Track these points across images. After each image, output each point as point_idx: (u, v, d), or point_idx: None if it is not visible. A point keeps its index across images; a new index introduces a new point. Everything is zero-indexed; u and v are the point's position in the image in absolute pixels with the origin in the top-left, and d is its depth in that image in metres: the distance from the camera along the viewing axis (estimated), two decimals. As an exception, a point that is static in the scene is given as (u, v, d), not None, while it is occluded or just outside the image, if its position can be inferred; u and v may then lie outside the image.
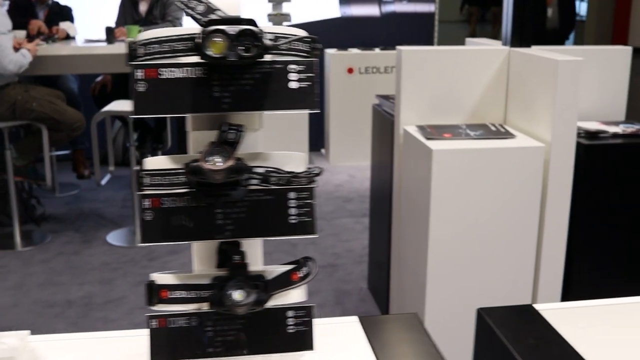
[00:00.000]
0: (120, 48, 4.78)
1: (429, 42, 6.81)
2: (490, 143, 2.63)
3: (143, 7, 5.45)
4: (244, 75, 0.90)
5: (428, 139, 2.66)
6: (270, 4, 6.04)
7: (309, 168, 0.97)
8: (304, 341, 0.99)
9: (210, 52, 0.87)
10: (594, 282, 2.85)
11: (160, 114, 0.90)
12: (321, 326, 1.21)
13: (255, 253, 1.03)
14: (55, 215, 5.05)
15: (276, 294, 0.97)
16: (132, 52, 0.91)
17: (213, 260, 1.01)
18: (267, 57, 0.90)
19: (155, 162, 0.94)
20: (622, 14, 13.60)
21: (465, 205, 2.58)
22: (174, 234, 0.93)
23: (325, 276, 3.94)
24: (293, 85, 0.91)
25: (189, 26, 0.91)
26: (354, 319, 1.24)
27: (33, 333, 1.15)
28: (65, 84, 5.38)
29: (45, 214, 5.00)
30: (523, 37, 2.95)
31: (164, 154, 4.07)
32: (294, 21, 6.25)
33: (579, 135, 2.74)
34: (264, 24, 0.92)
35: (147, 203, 0.92)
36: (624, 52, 3.19)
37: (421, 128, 2.81)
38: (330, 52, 6.30)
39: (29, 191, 4.97)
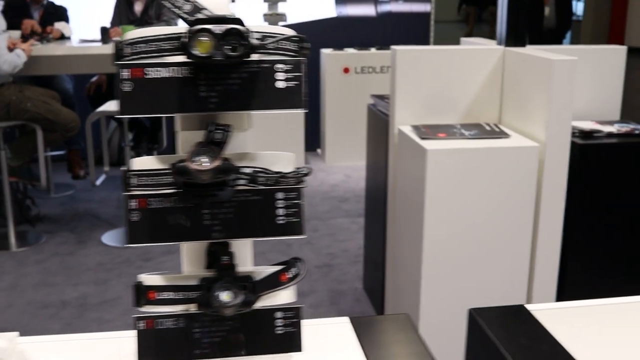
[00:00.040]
0: (115, 48, 4.76)
1: (425, 42, 6.81)
2: (484, 143, 2.63)
3: (138, 7, 5.45)
4: (230, 74, 0.89)
5: (422, 138, 2.66)
6: (266, 4, 6.03)
7: (298, 168, 0.96)
8: (293, 342, 0.98)
9: (197, 51, 0.86)
10: (589, 282, 2.85)
11: (146, 113, 0.89)
12: (312, 327, 1.20)
13: (245, 254, 1.02)
14: (50, 215, 5.04)
15: (264, 295, 0.96)
16: (119, 52, 0.90)
17: (202, 261, 1.00)
18: (255, 57, 0.90)
19: (143, 163, 0.93)
20: (618, 14, 13.62)
21: (460, 205, 2.58)
22: (160, 235, 0.92)
23: (320, 276, 3.93)
24: (280, 84, 0.90)
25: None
26: (345, 320, 1.23)
27: (27, 334, 1.15)
28: (60, 84, 5.37)
29: (40, 214, 4.99)
30: (518, 36, 2.94)
31: (159, 154, 4.06)
32: (290, 21, 6.24)
33: (573, 134, 2.74)
34: (258, 24, 0.91)
35: (133, 203, 0.92)
36: (618, 52, 3.19)
37: (416, 128, 2.80)
38: (326, 51, 6.30)
39: (24, 191, 4.95)
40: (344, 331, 1.19)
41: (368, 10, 6.81)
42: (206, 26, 0.86)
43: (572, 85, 2.55)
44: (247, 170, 0.92)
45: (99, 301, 3.68)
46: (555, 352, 1.13)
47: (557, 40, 8.95)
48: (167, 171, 0.92)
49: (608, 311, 1.27)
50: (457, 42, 3.56)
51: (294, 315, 0.98)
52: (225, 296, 0.93)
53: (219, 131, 0.91)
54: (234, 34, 0.86)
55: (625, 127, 2.93)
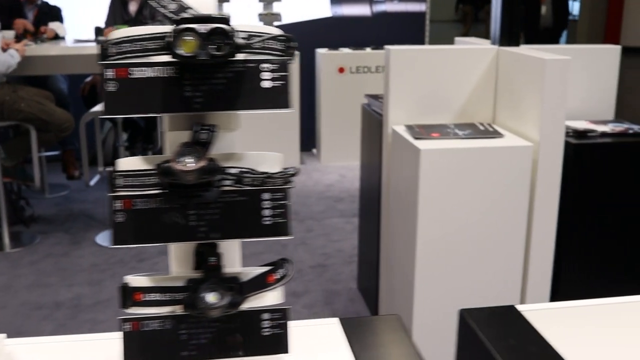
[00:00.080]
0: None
1: (421, 42, 6.81)
2: (478, 142, 2.62)
3: (133, 7, 5.44)
4: (216, 74, 0.88)
5: (416, 138, 2.65)
6: (261, 4, 6.03)
7: (285, 168, 0.95)
8: (280, 344, 0.97)
9: (181, 51, 0.85)
10: (582, 282, 2.85)
11: (131, 113, 0.89)
12: (301, 328, 1.19)
13: (234, 254, 1.02)
14: (45, 216, 5.03)
15: (251, 296, 0.96)
16: (104, 52, 0.90)
17: (191, 262, 1.00)
18: (240, 56, 0.89)
19: (129, 163, 0.93)
20: (614, 13, 13.64)
21: (454, 205, 2.58)
22: (146, 236, 0.92)
23: (315, 276, 3.93)
24: (266, 84, 0.89)
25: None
26: (335, 321, 1.23)
27: (20, 335, 1.14)
28: (55, 84, 5.36)
29: (34, 215, 4.98)
30: (511, 36, 2.94)
31: (154, 154, 4.05)
32: (285, 21, 6.24)
33: (567, 134, 2.73)
34: (245, 23, 0.91)
35: (118, 204, 0.91)
36: (612, 51, 3.19)
37: (409, 128, 2.80)
38: (321, 51, 6.30)
39: (18, 192, 4.94)
40: (333, 332, 1.19)
41: (363, 10, 6.81)
42: (191, 25, 0.85)
43: (566, 85, 2.55)
44: (233, 171, 0.91)
45: (93, 302, 3.67)
46: (545, 353, 1.13)
47: (553, 39, 8.96)
48: (153, 172, 0.91)
49: (599, 312, 1.27)
50: (453, 42, 3.55)
51: (281, 316, 0.97)
52: (211, 297, 0.93)
53: (204, 131, 0.90)
54: (219, 34, 0.85)
55: (619, 127, 2.93)
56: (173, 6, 0.89)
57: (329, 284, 3.85)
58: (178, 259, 1.00)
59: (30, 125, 4.31)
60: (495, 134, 2.70)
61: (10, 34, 4.84)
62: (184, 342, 0.96)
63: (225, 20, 0.87)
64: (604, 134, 2.87)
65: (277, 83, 0.89)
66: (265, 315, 0.97)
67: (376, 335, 1.21)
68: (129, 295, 0.95)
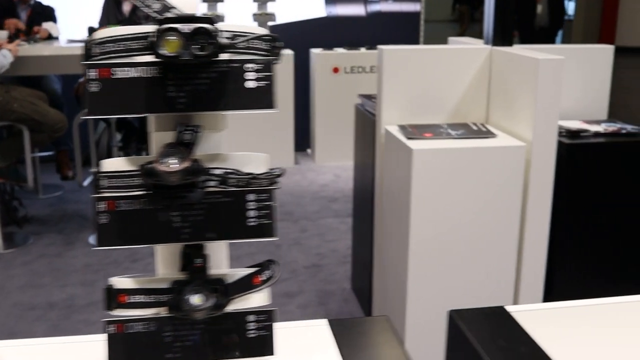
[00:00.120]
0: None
1: (416, 42, 6.81)
2: (471, 142, 2.62)
3: (127, 7, 5.42)
4: (199, 74, 0.87)
5: (409, 138, 2.65)
6: (256, 4, 6.02)
7: (271, 169, 0.95)
8: (265, 346, 0.97)
9: (164, 51, 0.85)
10: (576, 282, 2.84)
11: (114, 114, 0.88)
12: (289, 330, 1.19)
13: (220, 256, 1.01)
14: (38, 216, 5.01)
15: (236, 298, 0.95)
16: (87, 52, 0.89)
17: (177, 263, 0.99)
18: (225, 56, 0.88)
19: (113, 164, 0.92)
20: (609, 13, 13.65)
21: (446, 205, 2.57)
22: (130, 238, 0.91)
23: (309, 277, 3.92)
24: (250, 84, 0.88)
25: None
26: (323, 322, 1.22)
27: (13, 336, 1.13)
28: (49, 84, 5.34)
29: (28, 215, 4.97)
30: (504, 35, 2.94)
31: (148, 154, 4.04)
32: (280, 21, 6.23)
33: (560, 134, 2.73)
34: (237, 23, 0.90)
35: (102, 206, 0.90)
36: (606, 51, 3.19)
37: (402, 128, 2.79)
38: (315, 51, 6.29)
39: (11, 193, 4.92)
40: (321, 334, 1.18)
41: (358, 10, 6.80)
42: (174, 25, 0.85)
43: (559, 85, 2.54)
44: (218, 172, 0.91)
45: (87, 302, 3.66)
46: (535, 354, 1.12)
47: (549, 38, 8.96)
48: (137, 173, 0.90)
49: (589, 312, 1.27)
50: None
51: (266, 318, 0.96)
52: (196, 299, 0.92)
53: (187, 132, 0.89)
54: (203, 34, 0.85)
55: (612, 127, 2.93)
56: (157, 6, 0.89)
57: (323, 284, 3.84)
58: (165, 261, 1.00)
59: (23, 125, 4.30)
60: (488, 134, 2.70)
61: (3, 34, 4.82)
62: (169, 344, 0.95)
63: (209, 20, 0.86)
64: (597, 134, 2.87)
65: (262, 83, 0.88)
66: (251, 317, 0.96)
67: (365, 337, 1.20)
68: (114, 297, 0.95)
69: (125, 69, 0.87)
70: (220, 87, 0.88)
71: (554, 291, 2.76)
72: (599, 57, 3.18)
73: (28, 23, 5.24)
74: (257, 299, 0.97)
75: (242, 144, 5.77)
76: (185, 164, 0.87)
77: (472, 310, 1.27)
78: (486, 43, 2.98)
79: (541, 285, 2.70)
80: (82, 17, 5.73)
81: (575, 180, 2.77)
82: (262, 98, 0.89)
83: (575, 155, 2.76)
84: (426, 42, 6.84)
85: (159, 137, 0.95)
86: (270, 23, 6.06)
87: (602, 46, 3.22)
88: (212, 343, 0.96)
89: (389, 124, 2.88)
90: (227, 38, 0.87)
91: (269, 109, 0.89)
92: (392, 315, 2.80)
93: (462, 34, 13.67)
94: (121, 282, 0.95)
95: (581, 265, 2.85)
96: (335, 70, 6.22)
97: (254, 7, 6.02)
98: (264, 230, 0.92)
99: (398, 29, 6.80)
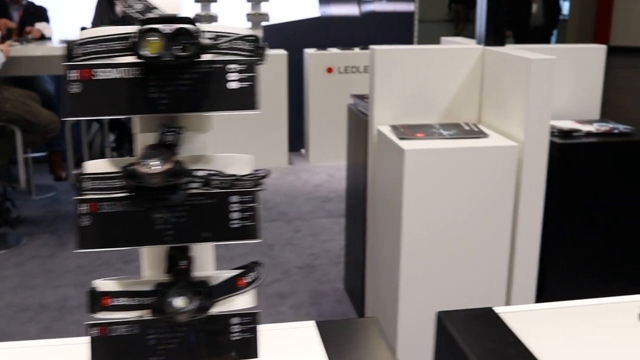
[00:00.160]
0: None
1: (409, 42, 6.80)
2: (463, 142, 2.61)
3: (120, 8, 5.41)
4: (181, 75, 0.87)
5: (401, 138, 2.64)
6: (249, 4, 6.01)
7: (256, 171, 0.94)
8: (249, 348, 0.96)
9: (146, 51, 0.84)
10: (568, 282, 2.84)
11: (95, 115, 0.87)
12: (276, 331, 1.18)
13: (206, 258, 1.00)
14: (31, 217, 5.00)
15: (221, 300, 0.94)
16: (69, 52, 0.88)
17: (162, 265, 0.98)
18: (207, 57, 0.87)
19: (96, 166, 0.91)
20: (603, 13, 13.68)
21: (438, 205, 2.57)
22: (112, 240, 0.90)
23: (302, 277, 3.91)
24: (233, 85, 0.88)
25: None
26: (311, 324, 1.21)
27: (4, 338, 1.13)
28: (41, 85, 5.32)
29: (21, 216, 4.95)
30: (497, 35, 2.93)
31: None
32: (273, 21, 6.23)
33: (552, 134, 2.73)
34: (221, 24, 0.89)
35: (84, 208, 0.89)
36: (598, 51, 3.19)
37: (394, 128, 2.79)
38: (309, 51, 6.28)
39: (4, 193, 4.91)
40: (308, 336, 1.17)
41: (351, 10, 6.80)
42: (155, 26, 0.84)
43: (551, 85, 2.54)
44: (201, 173, 0.90)
45: (79, 304, 3.65)
46: (522, 356, 1.12)
47: (544, 38, 8.97)
48: (120, 174, 0.90)
49: (576, 313, 1.26)
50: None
51: (250, 320, 0.96)
52: (179, 302, 0.91)
53: (169, 133, 0.88)
54: (184, 34, 0.84)
55: (604, 127, 2.92)
56: (139, 6, 0.88)
57: (316, 284, 3.83)
58: (150, 263, 0.99)
59: (16, 126, 4.28)
60: (480, 134, 2.69)
61: (-5, 34, 4.81)
62: (152, 347, 0.94)
63: (191, 20, 0.85)
64: (589, 134, 2.86)
65: (245, 84, 0.88)
66: (235, 320, 0.95)
67: (353, 339, 1.20)
68: (97, 300, 0.94)
69: (107, 70, 0.86)
70: (202, 88, 0.87)
71: (546, 291, 2.76)
72: (592, 57, 3.18)
73: (20, 23, 5.22)
74: (242, 301, 0.96)
75: (235, 144, 5.77)
76: (167, 166, 0.86)
77: (461, 312, 1.26)
78: (478, 43, 2.98)
79: (533, 285, 2.70)
80: (75, 18, 5.72)
81: (567, 180, 2.77)
82: (245, 99, 0.88)
83: (567, 155, 2.76)
84: (420, 42, 6.83)
85: (143, 138, 0.94)
86: (263, 23, 6.05)
87: (595, 46, 3.22)
88: (197, 345, 0.95)
89: (381, 124, 2.88)
90: (210, 38, 0.87)
91: (251, 110, 0.88)
92: (385, 315, 2.80)
93: (458, 34, 13.68)
94: (105, 284, 0.95)
95: (573, 265, 2.85)
96: (329, 70, 6.22)
97: (247, 7, 6.01)
98: (247, 232, 0.91)
99: (392, 29, 6.79)
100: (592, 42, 6.92)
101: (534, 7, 8.80)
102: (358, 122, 3.28)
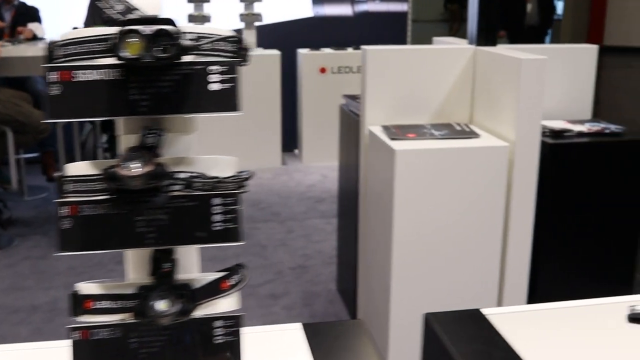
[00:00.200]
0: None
1: (403, 42, 6.80)
2: (454, 143, 2.61)
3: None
4: (162, 77, 0.86)
5: (392, 139, 2.64)
6: (242, 4, 6.01)
7: (239, 172, 0.93)
8: (232, 352, 0.95)
9: (126, 53, 0.83)
10: (560, 282, 2.84)
11: (76, 117, 0.86)
12: (262, 334, 1.18)
13: (191, 260, 1.00)
14: (23, 218, 4.98)
15: (204, 303, 0.93)
16: (50, 54, 0.87)
17: (147, 268, 0.98)
18: (189, 58, 0.87)
19: (77, 168, 0.91)
20: (597, 13, 13.70)
21: (429, 206, 2.56)
22: (93, 243, 0.89)
23: (294, 278, 3.91)
24: (214, 87, 0.87)
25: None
26: (297, 326, 1.21)
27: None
28: (33, 85, 5.30)
29: (12, 217, 4.93)
30: (488, 35, 2.93)
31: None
32: (267, 21, 6.22)
33: (544, 134, 2.73)
34: (211, 25, 0.88)
35: (65, 211, 0.89)
36: (590, 51, 3.19)
37: (386, 128, 2.79)
38: (302, 52, 6.28)
39: (-5, 195, 4.90)
40: (294, 338, 1.17)
41: (345, 10, 6.79)
42: (135, 27, 0.83)
43: (542, 85, 2.54)
44: (183, 176, 0.89)
45: (70, 305, 3.63)
46: (508, 357, 1.11)
47: (539, 37, 8.98)
48: (101, 177, 0.89)
49: (564, 315, 1.26)
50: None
51: (234, 323, 0.95)
52: (161, 305, 0.90)
53: (150, 135, 0.88)
54: (164, 35, 0.83)
55: (595, 127, 2.93)
56: (120, 7, 0.87)
57: (309, 285, 3.83)
58: (134, 265, 0.98)
59: (7, 127, 4.27)
60: (472, 134, 2.69)
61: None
62: (135, 351, 0.93)
63: (172, 21, 0.84)
64: (580, 134, 2.87)
65: (226, 85, 0.87)
66: (218, 323, 0.95)
67: (339, 341, 1.19)
68: (79, 303, 0.93)
69: (87, 71, 0.85)
70: (183, 90, 0.86)
71: (538, 292, 2.76)
72: (583, 57, 3.18)
73: (12, 24, 5.21)
74: (225, 304, 0.96)
75: (228, 144, 5.77)
76: (148, 168, 0.85)
77: (448, 313, 1.26)
78: (470, 43, 2.97)
79: (525, 285, 2.69)
80: (67, 18, 5.70)
81: (558, 180, 2.77)
82: (227, 101, 0.87)
83: (558, 155, 2.76)
84: (414, 42, 6.83)
85: (127, 140, 0.94)
86: (257, 23, 6.05)
87: (587, 46, 3.22)
88: (179, 349, 0.94)
89: (373, 124, 2.87)
90: (191, 40, 0.86)
91: (233, 112, 0.87)
92: (376, 316, 2.79)
93: (454, 34, 13.67)
94: (87, 287, 0.94)
95: (565, 265, 2.85)
96: (322, 70, 6.21)
97: (240, 8, 6.01)
98: (230, 234, 0.91)
99: (385, 29, 6.79)
100: (586, 42, 6.93)
101: (529, 7, 8.82)
102: (350, 122, 3.28)
